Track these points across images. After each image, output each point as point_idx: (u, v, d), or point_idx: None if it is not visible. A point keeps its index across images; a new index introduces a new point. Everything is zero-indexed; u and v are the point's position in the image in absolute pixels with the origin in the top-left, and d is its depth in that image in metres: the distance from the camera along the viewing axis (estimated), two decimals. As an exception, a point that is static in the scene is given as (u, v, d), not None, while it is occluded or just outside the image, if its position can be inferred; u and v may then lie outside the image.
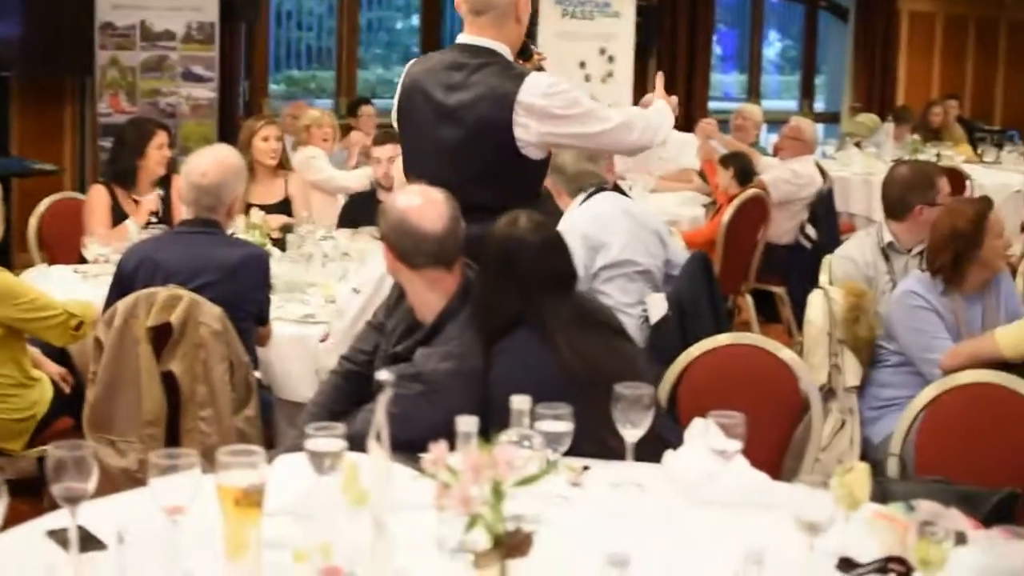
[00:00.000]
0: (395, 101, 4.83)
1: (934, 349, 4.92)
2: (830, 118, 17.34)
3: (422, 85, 4.64)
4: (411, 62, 4.82)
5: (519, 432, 2.99)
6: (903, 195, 5.67)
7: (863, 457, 5.05)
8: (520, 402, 3.03)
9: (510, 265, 3.80)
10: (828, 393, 5.15)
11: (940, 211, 5.27)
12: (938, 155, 13.03)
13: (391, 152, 7.07)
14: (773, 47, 21.42)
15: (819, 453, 4.90)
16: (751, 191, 8.70)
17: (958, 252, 5.03)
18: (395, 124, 4.88)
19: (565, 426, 3.14)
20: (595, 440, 3.37)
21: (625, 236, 5.76)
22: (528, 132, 4.46)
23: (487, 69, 4.51)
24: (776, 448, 4.41)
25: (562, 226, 5.71)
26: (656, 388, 4.40)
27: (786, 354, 4.49)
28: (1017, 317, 4.96)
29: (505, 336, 3.76)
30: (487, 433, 2.52)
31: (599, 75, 13.10)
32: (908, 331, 5.06)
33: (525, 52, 4.81)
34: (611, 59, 13.17)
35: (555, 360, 3.66)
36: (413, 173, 4.62)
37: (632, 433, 3.26)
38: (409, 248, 3.87)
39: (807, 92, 17.63)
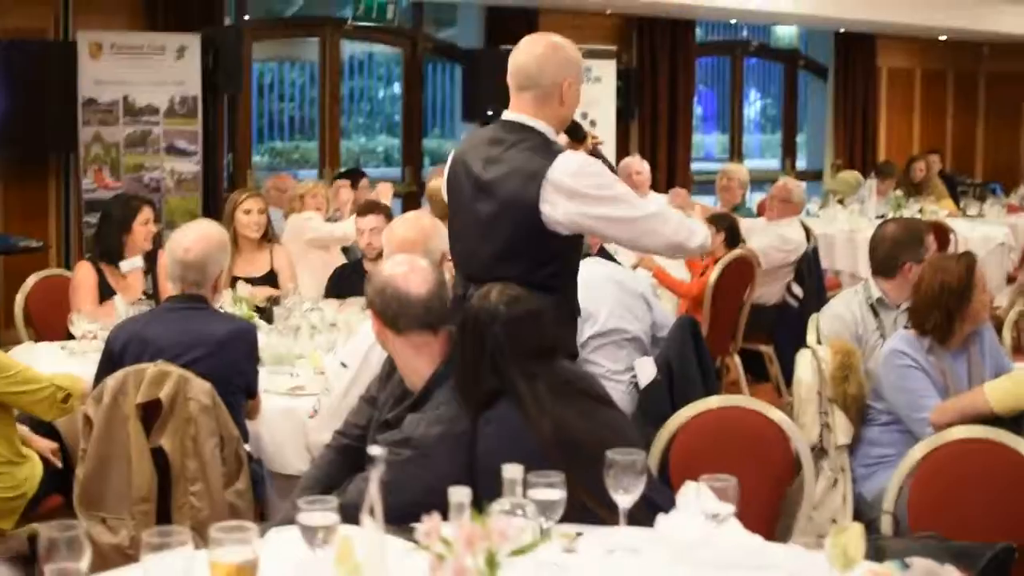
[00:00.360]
0: (444, 174, 4.87)
1: (922, 408, 4.93)
2: (812, 176, 17.43)
3: (464, 158, 4.66)
4: (463, 136, 4.87)
5: (512, 501, 2.98)
6: (892, 252, 5.70)
7: (856, 515, 5.06)
8: (512, 471, 3.02)
9: (482, 338, 3.81)
10: (819, 452, 5.15)
11: (923, 269, 5.27)
12: (921, 210, 13.10)
13: (374, 223, 7.10)
14: (754, 106, 21.54)
15: (812, 512, 4.90)
16: (736, 252, 8.69)
17: (950, 309, 5.04)
18: (444, 196, 4.88)
19: (558, 494, 3.12)
20: (584, 508, 3.37)
21: (612, 304, 5.77)
22: (555, 210, 4.40)
23: (522, 145, 4.49)
24: (769, 508, 4.40)
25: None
26: (647, 453, 4.43)
27: (776, 415, 4.49)
28: (1004, 370, 4.98)
29: (489, 407, 3.76)
30: (477, 502, 2.51)
31: (582, 140, 13.13)
32: (896, 391, 5.08)
33: (578, 133, 4.77)
34: (593, 124, 13.22)
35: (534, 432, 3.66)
36: (454, 244, 4.73)
37: (625, 499, 3.25)
38: (394, 312, 3.90)
39: (789, 151, 17.72)
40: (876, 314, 5.67)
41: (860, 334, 5.65)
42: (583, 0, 13.08)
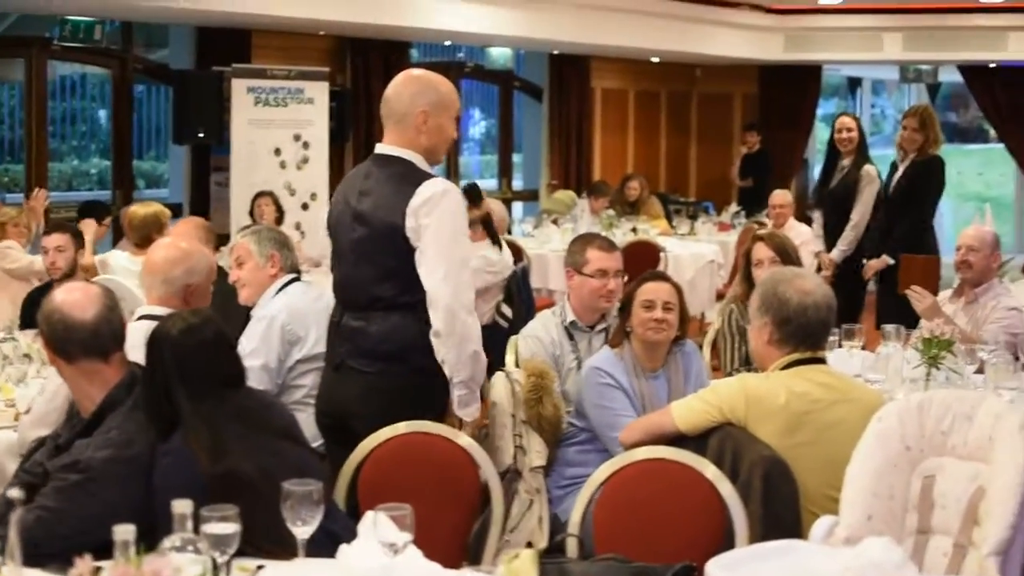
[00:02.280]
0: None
1: (617, 426, 4.97)
2: (529, 196, 17.60)
3: (343, 190, 5.04)
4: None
5: (182, 537, 2.93)
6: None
7: (552, 536, 5.06)
8: (182, 506, 2.97)
9: (158, 363, 3.76)
10: (514, 474, 5.14)
11: None
12: (634, 229, 13.33)
13: (58, 242, 7.04)
14: (478, 127, 21.68)
15: (508, 535, 4.90)
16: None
17: (619, 315, 5.39)
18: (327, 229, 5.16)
19: (232, 527, 3.08)
20: (262, 540, 3.31)
21: (322, 327, 5.70)
22: (416, 234, 4.70)
23: (390, 174, 4.84)
24: (458, 534, 4.44)
25: (258, 315, 5.66)
26: (335, 482, 4.39)
27: (464, 440, 4.50)
28: (704, 390, 5.05)
29: (167, 436, 3.69)
30: (156, 537, 2.45)
31: (294, 162, 13.04)
32: (594, 408, 5.16)
33: (473, 195, 5.10)
34: (306, 145, 13.12)
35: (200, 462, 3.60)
36: (335, 274, 5.05)
37: (303, 530, 3.24)
38: (61, 339, 3.83)
39: (505, 171, 17.84)
40: (571, 336, 5.71)
41: (557, 355, 5.68)
42: (296, 21, 12.93)
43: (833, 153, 10.11)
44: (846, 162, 9.92)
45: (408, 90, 4.88)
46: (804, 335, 4.43)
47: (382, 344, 4.79)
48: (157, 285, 5.05)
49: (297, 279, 5.94)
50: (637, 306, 5.26)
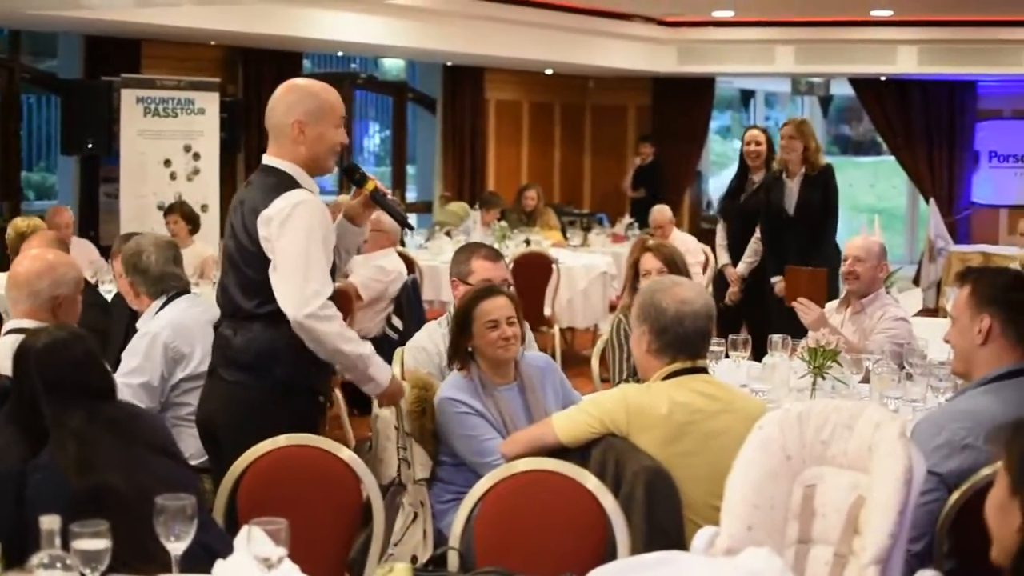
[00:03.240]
0: None
1: (486, 452, 4.93)
2: (423, 208, 17.57)
3: (234, 201, 4.96)
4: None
5: (50, 554, 2.89)
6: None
7: (436, 549, 5.02)
8: (49, 522, 2.92)
9: (24, 377, 3.71)
10: (399, 487, 5.09)
11: None
12: (527, 241, 13.32)
13: None
14: (372, 139, 21.60)
15: (392, 548, 4.87)
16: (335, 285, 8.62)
17: (455, 336, 5.24)
18: None
19: (103, 543, 3.02)
20: (133, 557, 3.26)
21: (207, 345, 5.63)
22: (269, 246, 4.68)
23: (262, 185, 4.80)
24: (340, 547, 4.40)
25: (141, 331, 5.60)
26: (213, 497, 4.34)
27: (345, 453, 4.46)
28: (572, 403, 5.02)
29: (37, 451, 3.62)
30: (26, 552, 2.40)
31: (185, 173, 12.94)
32: (458, 438, 5.06)
33: (353, 176, 5.10)
34: (197, 156, 13.02)
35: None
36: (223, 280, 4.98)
37: (177, 545, 3.20)
38: None
39: (399, 182, 17.78)
40: (456, 347, 5.67)
41: (443, 366, 5.64)
42: (187, 31, 12.82)
43: (744, 166, 10.02)
44: (756, 177, 9.84)
45: (284, 101, 4.84)
46: (682, 344, 4.42)
47: (243, 354, 4.77)
48: (23, 299, 4.96)
49: (180, 294, 5.90)
50: (480, 326, 5.13)
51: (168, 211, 11.12)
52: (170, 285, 5.92)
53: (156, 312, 5.86)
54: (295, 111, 4.79)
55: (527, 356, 5.39)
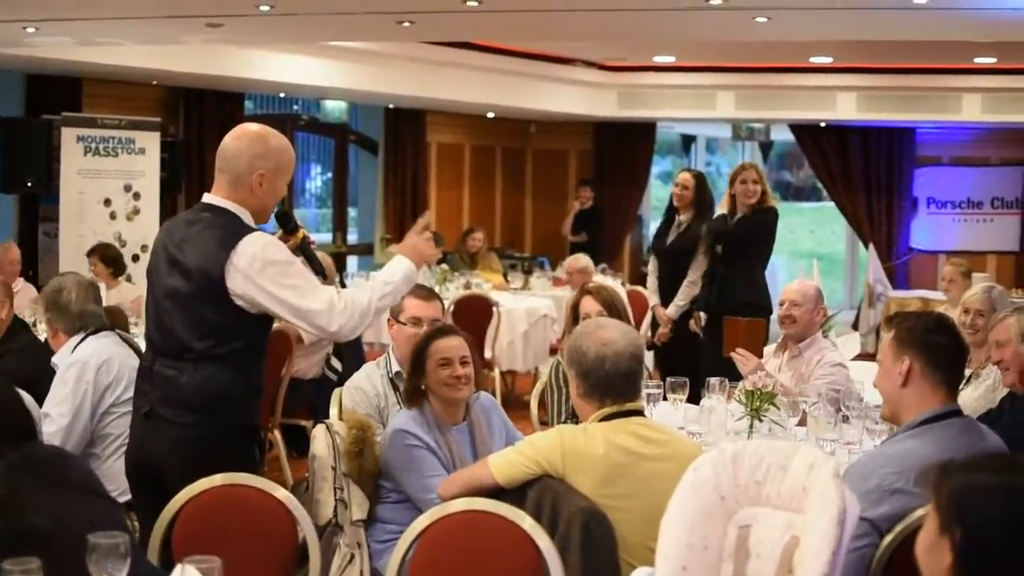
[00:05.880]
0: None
1: (429, 488, 4.93)
2: (364, 250, 17.54)
3: (162, 237, 4.92)
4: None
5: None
6: None
7: (373, 589, 5.01)
8: (-24, 562, 2.89)
9: None
10: (335, 528, 5.07)
11: None
12: (467, 284, 13.34)
13: None
14: (313, 181, 21.55)
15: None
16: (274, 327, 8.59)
17: (409, 375, 5.31)
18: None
19: (34, 583, 2.99)
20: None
21: (131, 378, 5.63)
22: (236, 286, 4.64)
23: (214, 225, 4.75)
24: (275, 588, 4.34)
25: (61, 371, 5.58)
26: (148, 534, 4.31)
27: (281, 493, 4.44)
28: (513, 442, 5.03)
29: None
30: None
31: (124, 212, 12.90)
32: (403, 472, 5.07)
33: (287, 225, 5.10)
34: (137, 196, 12.99)
35: None
36: (148, 320, 4.93)
37: (111, 584, 3.16)
38: None
39: (340, 225, 17.75)
40: (396, 388, 5.68)
41: (381, 407, 5.66)
42: (128, 70, 12.78)
43: (672, 208, 10.06)
44: (683, 218, 9.88)
45: (249, 151, 4.81)
46: (606, 387, 4.43)
47: (195, 396, 4.71)
48: None
49: (99, 331, 5.92)
50: (433, 365, 5.19)
51: (89, 253, 11.06)
52: (89, 322, 5.94)
53: (74, 348, 5.88)
54: (260, 164, 4.79)
55: (480, 397, 5.44)
